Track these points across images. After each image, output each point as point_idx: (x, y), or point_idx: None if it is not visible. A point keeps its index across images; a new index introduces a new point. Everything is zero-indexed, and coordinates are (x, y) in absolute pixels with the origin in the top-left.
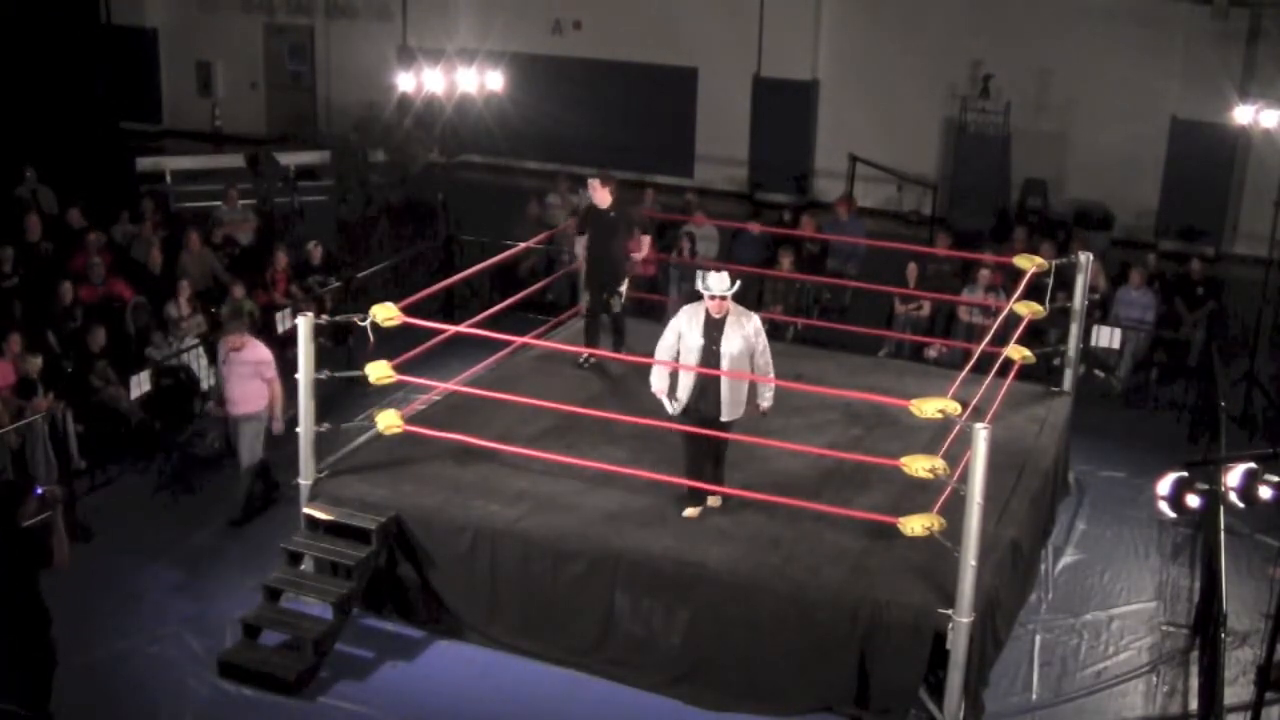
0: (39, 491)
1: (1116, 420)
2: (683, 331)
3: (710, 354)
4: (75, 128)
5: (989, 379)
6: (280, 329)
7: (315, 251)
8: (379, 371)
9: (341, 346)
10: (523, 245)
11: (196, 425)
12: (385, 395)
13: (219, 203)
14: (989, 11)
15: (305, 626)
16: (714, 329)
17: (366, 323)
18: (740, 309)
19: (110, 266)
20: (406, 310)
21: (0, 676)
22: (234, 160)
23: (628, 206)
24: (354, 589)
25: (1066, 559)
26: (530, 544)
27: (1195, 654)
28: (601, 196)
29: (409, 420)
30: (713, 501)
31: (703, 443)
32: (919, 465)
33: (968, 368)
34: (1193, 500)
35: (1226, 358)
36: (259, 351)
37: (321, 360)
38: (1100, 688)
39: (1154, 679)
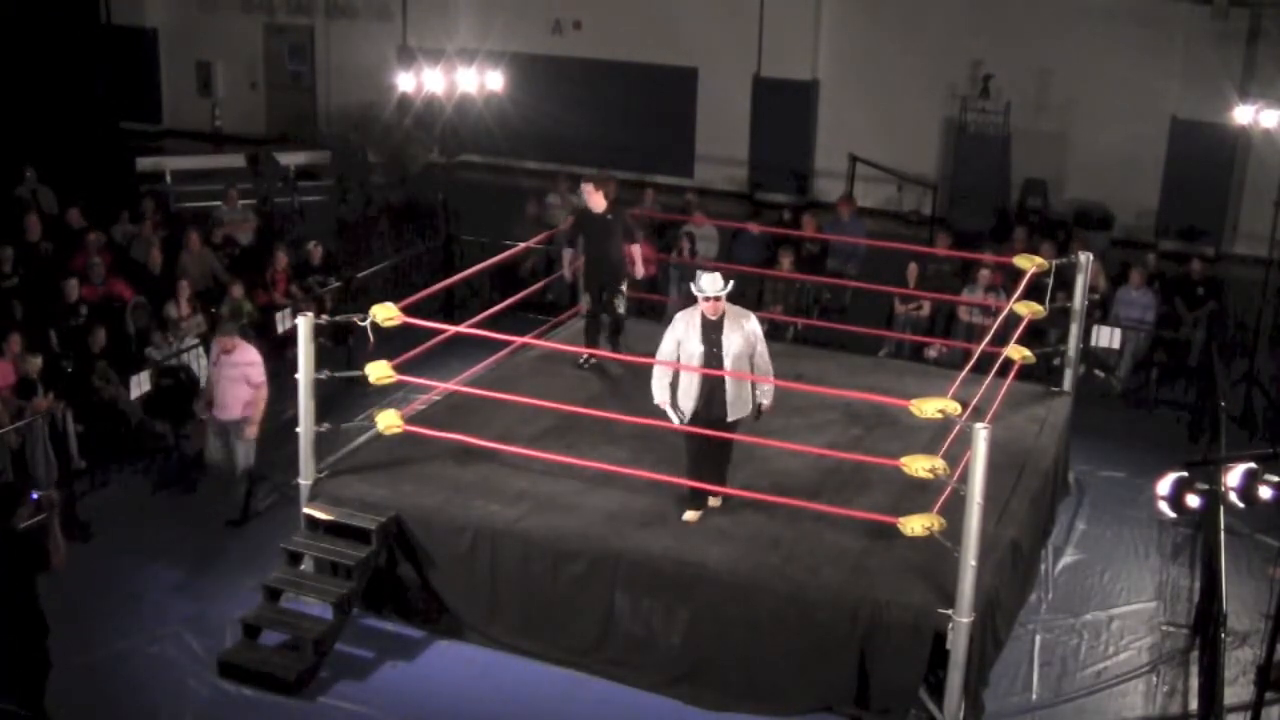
0: (35, 496)
1: (1116, 420)
2: (681, 338)
3: (712, 357)
4: (75, 128)
5: (989, 379)
6: (280, 329)
7: (315, 251)
8: (379, 371)
9: (341, 346)
10: (523, 245)
11: (194, 426)
12: (385, 395)
13: (219, 203)
14: (989, 11)
15: (305, 626)
16: (712, 331)
17: (366, 323)
18: (736, 308)
19: (110, 266)
20: (406, 310)
21: None
22: (234, 160)
23: (623, 209)
24: (354, 589)
25: (1066, 559)
26: (530, 544)
27: (1195, 654)
28: (596, 200)
29: (409, 420)
30: (713, 501)
31: (706, 446)
32: (919, 465)
33: (968, 368)
34: (1193, 500)
35: (1226, 358)
36: (250, 355)
37: (321, 360)
38: (1100, 688)
39: (1154, 679)
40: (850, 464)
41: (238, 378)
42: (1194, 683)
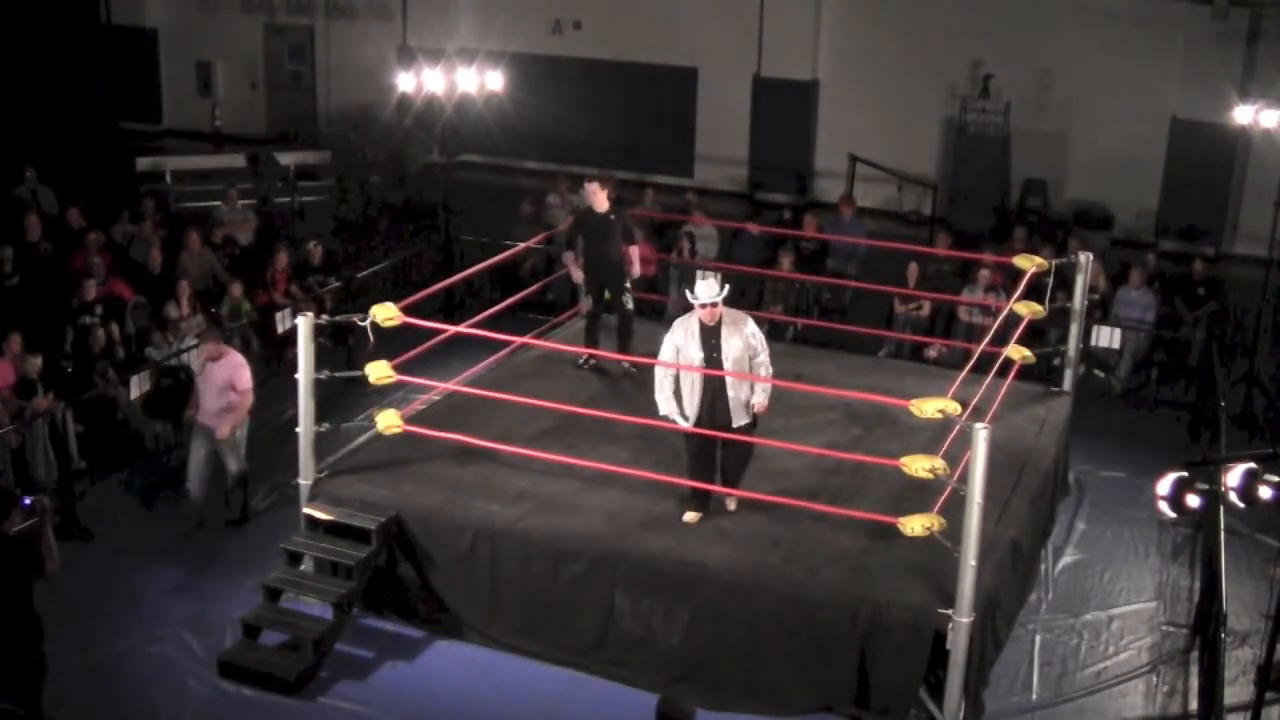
0: (27, 502)
1: (1116, 420)
2: (680, 345)
3: (712, 363)
4: (75, 128)
5: (989, 379)
6: (280, 329)
7: (315, 251)
8: (379, 371)
9: (341, 346)
10: (523, 245)
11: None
12: (385, 395)
13: (219, 203)
14: (989, 11)
15: (305, 626)
16: (711, 336)
17: (366, 323)
18: (733, 312)
19: (110, 266)
20: (406, 310)
21: None
22: (234, 160)
23: (624, 209)
24: (354, 589)
25: (1066, 559)
26: (530, 544)
27: (1195, 654)
28: (600, 200)
29: (409, 420)
30: (730, 505)
31: (708, 450)
32: (919, 465)
33: (968, 368)
34: (1193, 500)
35: (1226, 358)
36: (236, 361)
37: (321, 360)
38: (1100, 688)
39: (1154, 679)
40: (850, 464)
41: (224, 384)
42: (1194, 683)
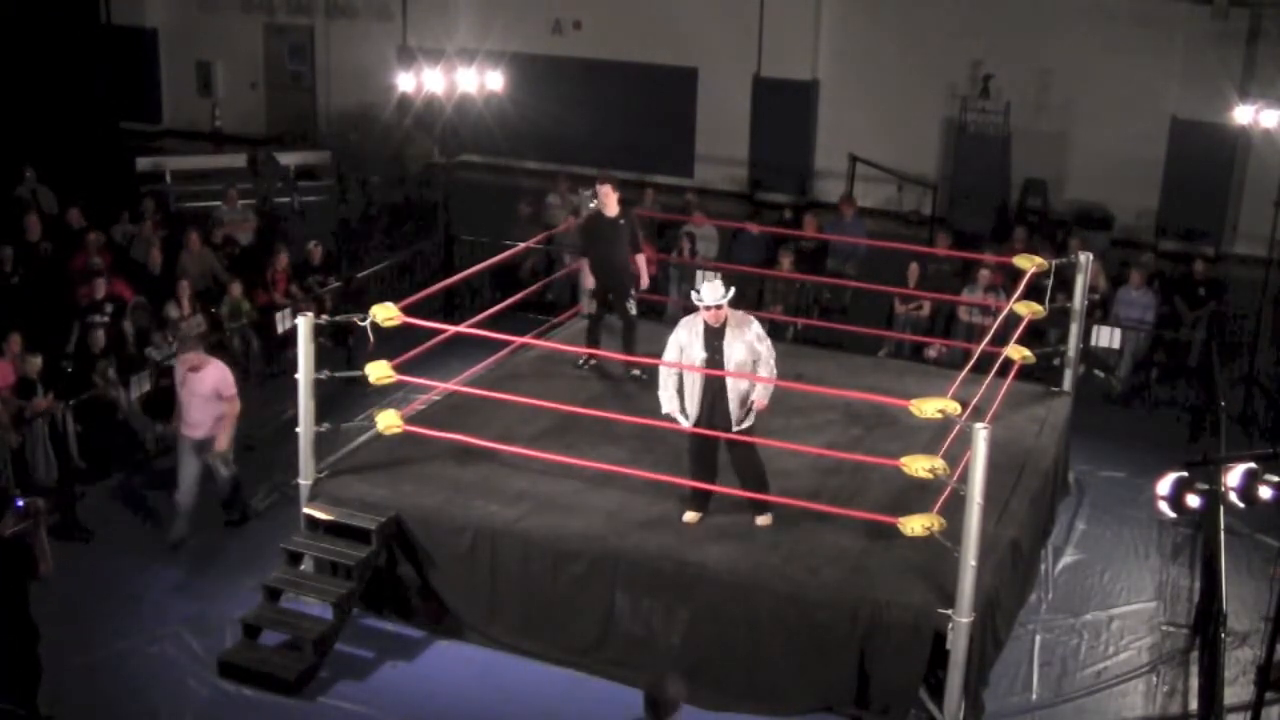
0: (20, 504)
1: (1116, 420)
2: (684, 346)
3: (715, 364)
4: (75, 128)
5: (989, 379)
6: (280, 329)
7: (315, 251)
8: (379, 371)
9: (341, 346)
10: (522, 245)
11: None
12: (385, 395)
13: (219, 203)
14: (989, 11)
15: (305, 626)
16: (715, 338)
17: (366, 323)
18: (738, 314)
19: (110, 266)
20: (406, 310)
21: None
22: (234, 160)
23: (632, 212)
24: (354, 589)
25: (1066, 559)
26: (530, 544)
27: (1195, 654)
28: (611, 202)
29: (409, 420)
30: (762, 520)
31: (708, 451)
32: (919, 465)
33: (968, 368)
34: (1193, 500)
35: (1226, 358)
36: (217, 370)
37: (321, 360)
38: (1100, 688)
39: (1154, 679)
40: (850, 464)
41: (210, 396)
42: (1194, 683)
